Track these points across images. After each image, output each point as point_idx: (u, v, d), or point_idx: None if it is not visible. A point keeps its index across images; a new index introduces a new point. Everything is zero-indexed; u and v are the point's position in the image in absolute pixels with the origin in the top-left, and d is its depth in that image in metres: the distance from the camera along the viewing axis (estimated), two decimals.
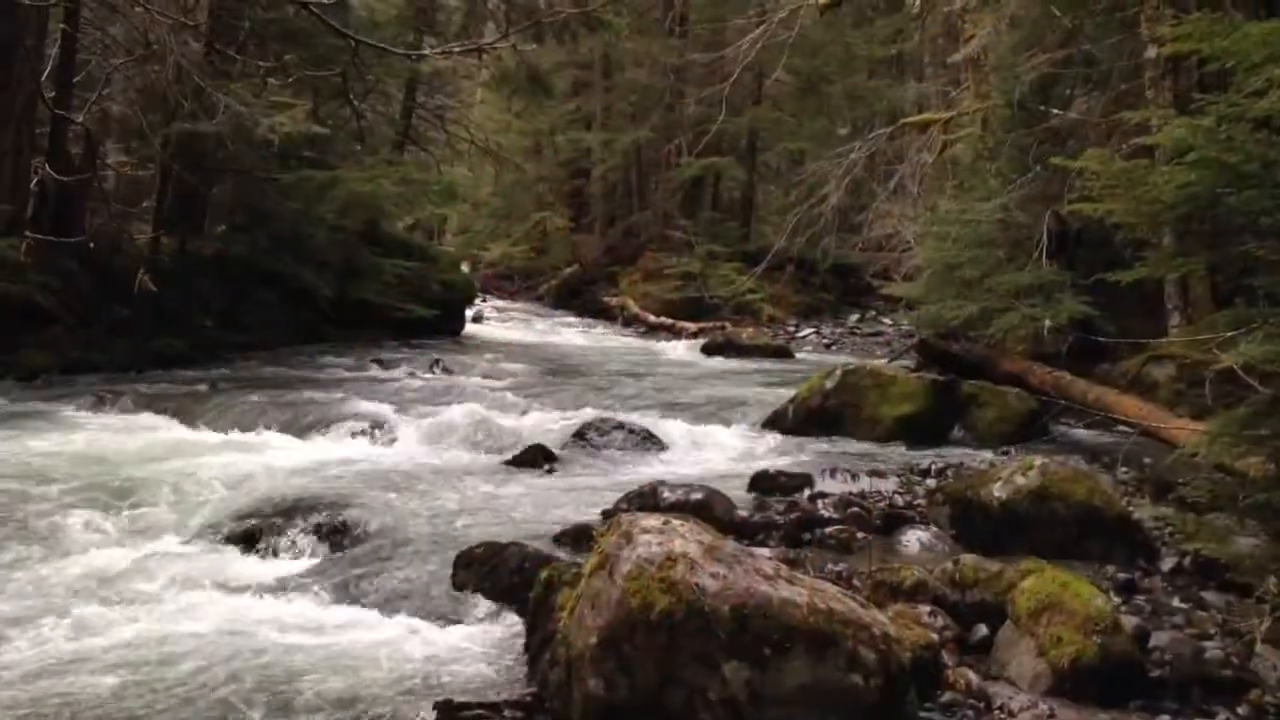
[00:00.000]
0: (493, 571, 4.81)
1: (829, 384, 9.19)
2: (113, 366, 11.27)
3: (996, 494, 5.68)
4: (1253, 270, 4.96)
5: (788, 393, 9.70)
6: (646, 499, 6.01)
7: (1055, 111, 11.63)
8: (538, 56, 18.17)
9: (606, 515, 5.84)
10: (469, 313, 19.41)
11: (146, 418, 8.99)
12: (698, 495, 5.99)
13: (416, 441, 8.37)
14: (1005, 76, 11.90)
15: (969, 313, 10.47)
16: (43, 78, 11.98)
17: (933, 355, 11.97)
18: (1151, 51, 10.36)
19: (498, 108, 26.46)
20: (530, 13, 13.08)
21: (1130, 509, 5.96)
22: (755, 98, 24.74)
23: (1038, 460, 5.92)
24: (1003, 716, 3.77)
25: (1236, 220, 4.62)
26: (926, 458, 7.99)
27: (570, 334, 19.90)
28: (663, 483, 6.25)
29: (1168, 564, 5.37)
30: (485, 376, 12.21)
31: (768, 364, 14.98)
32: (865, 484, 7.04)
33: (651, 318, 21.25)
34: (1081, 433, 9.11)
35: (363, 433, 8.49)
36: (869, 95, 25.62)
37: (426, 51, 9.16)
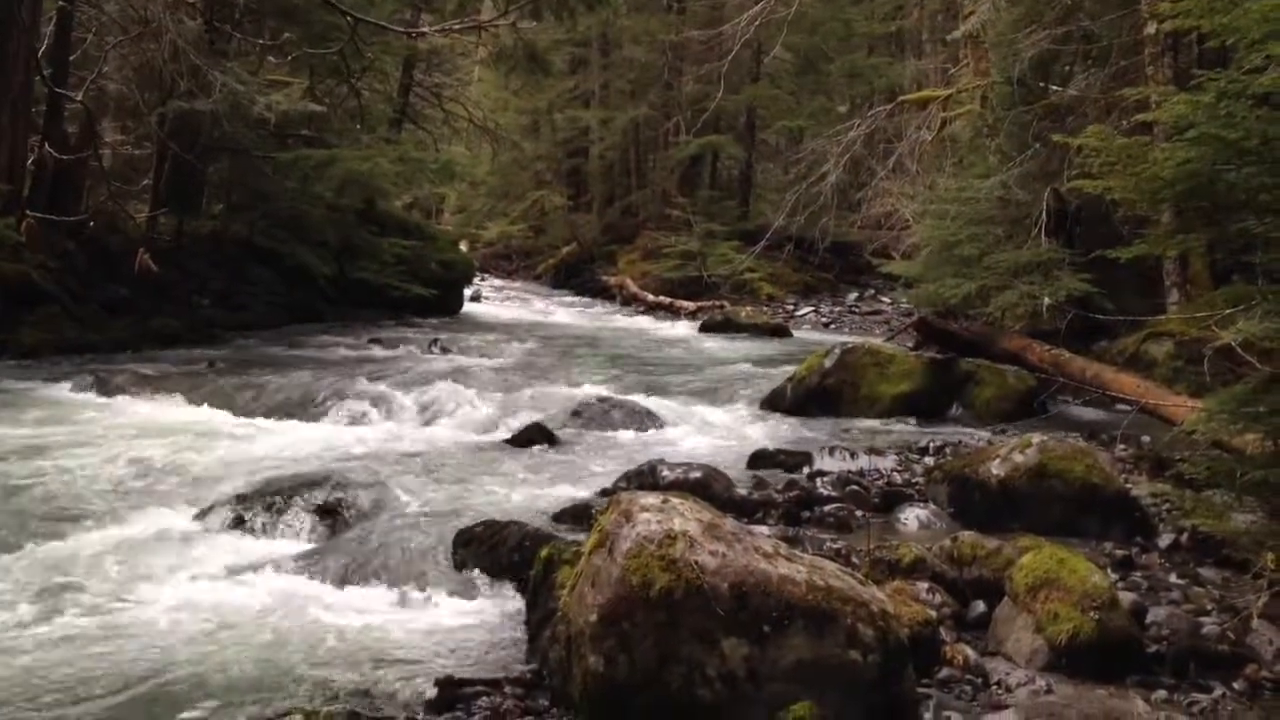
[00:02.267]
0: (493, 550, 4.83)
1: (827, 363, 9.19)
2: (110, 346, 11.25)
3: (995, 471, 5.70)
4: (1252, 247, 4.96)
5: (786, 371, 9.71)
6: (646, 477, 6.03)
7: (1055, 88, 11.59)
8: (535, 34, 18.06)
9: (606, 494, 5.86)
10: (467, 292, 19.39)
11: (144, 398, 8.98)
12: (696, 474, 6.01)
13: (415, 421, 8.37)
14: (1004, 53, 11.84)
15: (967, 291, 10.46)
16: (38, 55, 11.92)
17: (931, 333, 11.97)
18: (1151, 28, 10.32)
19: (495, 86, 26.35)
20: None
21: (1128, 486, 5.97)
22: (754, 75, 24.62)
23: (1036, 438, 5.93)
24: (1000, 692, 3.80)
25: (1236, 197, 4.61)
26: (925, 436, 8.00)
27: (568, 313, 19.88)
28: (662, 461, 6.27)
29: (1165, 540, 5.40)
30: (484, 356, 12.21)
31: (766, 343, 14.98)
32: (864, 462, 7.05)
33: (650, 296, 21.22)
34: (1080, 410, 9.13)
35: (362, 412, 8.49)
36: (868, 72, 25.48)
37: (425, 29, 9.10)
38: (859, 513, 5.81)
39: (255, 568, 5.03)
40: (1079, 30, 11.39)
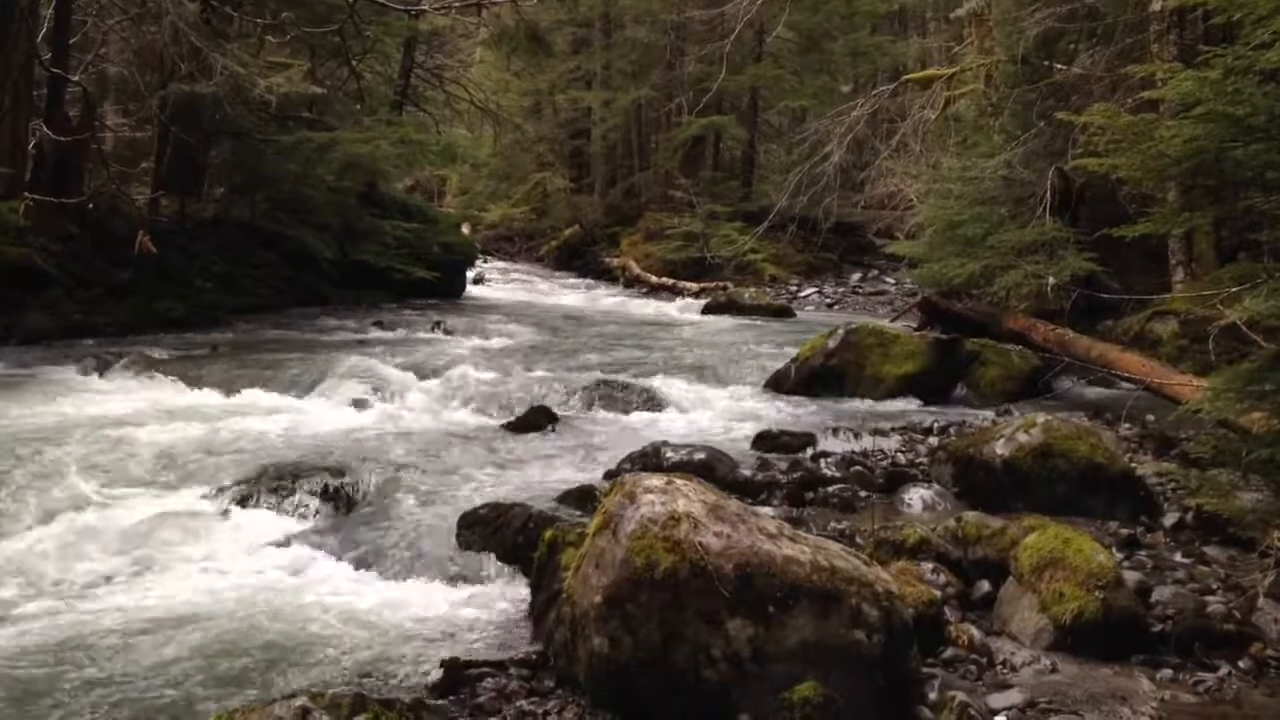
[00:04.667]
0: (497, 532, 4.83)
1: (831, 343, 9.18)
2: (113, 330, 11.24)
3: (999, 451, 5.68)
4: (1258, 225, 4.93)
5: (790, 352, 9.69)
6: (650, 459, 6.02)
7: (1059, 66, 11.51)
8: (537, 14, 17.95)
9: (610, 475, 5.86)
10: (470, 274, 19.36)
11: (149, 381, 8.97)
12: (700, 455, 6.01)
13: (419, 404, 8.36)
14: (1009, 31, 11.76)
15: (972, 270, 10.42)
16: (38, 38, 11.87)
17: (935, 314, 11.93)
18: (1156, 4, 10.24)
19: (497, 67, 26.21)
20: None
21: (1133, 465, 5.97)
22: (756, 55, 24.46)
23: (1040, 417, 5.91)
24: (1005, 671, 3.80)
25: (1243, 174, 4.57)
26: (929, 416, 7.99)
27: (572, 295, 19.85)
28: (666, 443, 6.26)
29: (1170, 520, 5.39)
30: (487, 338, 12.19)
31: (770, 324, 14.96)
32: (868, 443, 7.05)
33: (653, 278, 21.17)
34: (1084, 389, 9.11)
35: (365, 395, 8.48)
36: (871, 51, 25.33)
37: (425, 8, 9.06)
38: (863, 493, 5.81)
39: (260, 549, 5.05)
40: (1083, 7, 11.30)
